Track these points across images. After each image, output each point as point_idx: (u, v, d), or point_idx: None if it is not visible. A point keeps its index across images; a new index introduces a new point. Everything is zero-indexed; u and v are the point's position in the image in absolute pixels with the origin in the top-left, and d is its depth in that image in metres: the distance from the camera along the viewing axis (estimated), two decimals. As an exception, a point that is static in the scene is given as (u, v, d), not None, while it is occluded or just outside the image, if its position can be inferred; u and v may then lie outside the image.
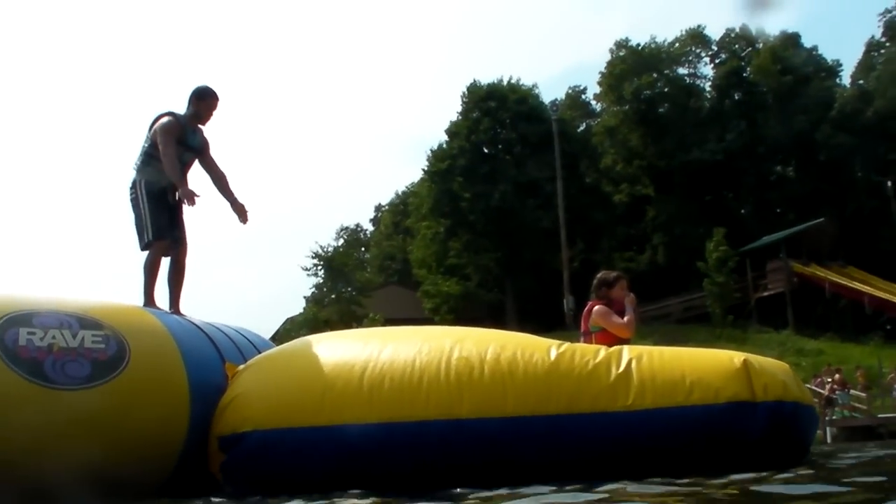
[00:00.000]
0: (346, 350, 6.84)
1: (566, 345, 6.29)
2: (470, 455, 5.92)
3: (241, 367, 7.22)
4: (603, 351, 6.16)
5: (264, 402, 6.64)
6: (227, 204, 8.36)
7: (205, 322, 7.95)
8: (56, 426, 6.13)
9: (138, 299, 8.04)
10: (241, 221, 8.39)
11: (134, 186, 8.10)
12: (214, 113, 8.30)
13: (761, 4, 54.74)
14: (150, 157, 8.03)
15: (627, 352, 6.10)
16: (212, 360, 7.30)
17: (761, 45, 62.27)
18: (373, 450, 6.05)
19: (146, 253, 8.10)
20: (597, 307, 7.97)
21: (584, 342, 7.59)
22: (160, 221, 8.01)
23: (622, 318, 7.83)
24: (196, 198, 7.89)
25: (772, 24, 59.58)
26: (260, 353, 7.91)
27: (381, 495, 5.25)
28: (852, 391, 31.53)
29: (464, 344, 6.41)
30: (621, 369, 5.93)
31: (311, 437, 6.29)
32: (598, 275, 8.30)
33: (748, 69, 60.86)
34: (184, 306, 8.24)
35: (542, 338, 6.59)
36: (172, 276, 8.26)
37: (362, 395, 6.27)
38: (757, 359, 6.06)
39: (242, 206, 8.37)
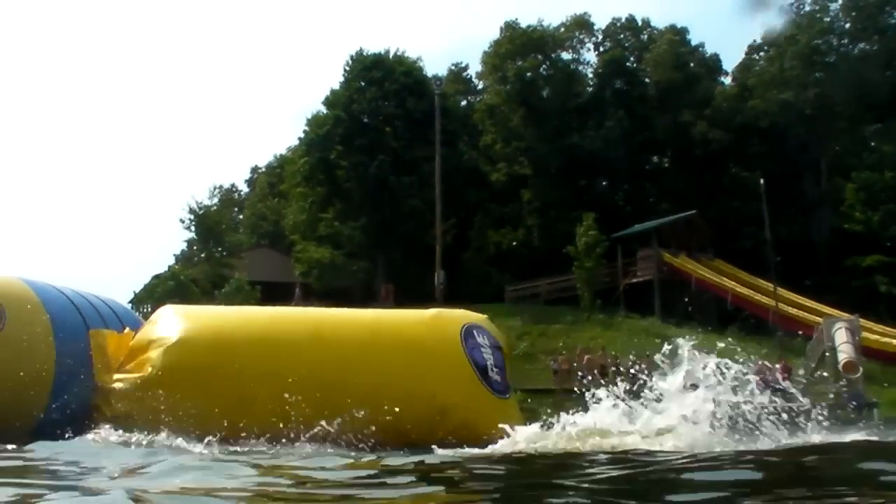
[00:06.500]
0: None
1: None
2: None
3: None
4: None
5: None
6: None
7: (74, 292, 9.51)
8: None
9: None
10: None
11: None
12: None
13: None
14: None
15: None
16: (77, 327, 8.78)
17: (646, 36, 63.13)
18: None
19: None
20: None
21: None
22: None
23: None
24: None
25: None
26: (122, 322, 9.64)
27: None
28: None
29: None
30: None
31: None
32: None
33: (643, 59, 61.47)
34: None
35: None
36: None
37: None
38: None
39: None
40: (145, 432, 7.59)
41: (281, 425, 7.79)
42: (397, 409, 8.13)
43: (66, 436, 7.81)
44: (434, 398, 8.76)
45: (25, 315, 8.28)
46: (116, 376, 8.33)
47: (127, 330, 9.25)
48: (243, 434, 7.74)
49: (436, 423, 8.55)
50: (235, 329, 9.08)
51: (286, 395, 7.87)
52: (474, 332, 9.89)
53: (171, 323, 8.81)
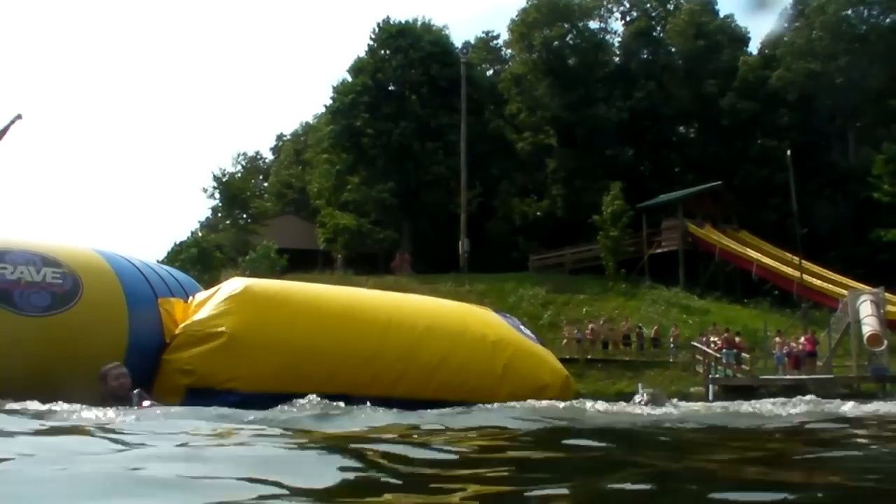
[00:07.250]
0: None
1: None
2: None
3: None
4: None
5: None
6: None
7: (141, 261, 10.15)
8: (22, 345, 8.01)
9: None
10: None
11: None
12: None
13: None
14: None
15: None
16: (147, 295, 9.27)
17: (672, 6, 62.63)
18: None
19: None
20: None
21: None
22: None
23: None
24: None
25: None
26: (186, 291, 10.04)
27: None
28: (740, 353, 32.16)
29: None
30: None
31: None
32: None
33: (665, 29, 61.10)
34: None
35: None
36: None
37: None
38: None
39: None
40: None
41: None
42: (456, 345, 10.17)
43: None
44: (485, 338, 10.54)
45: (101, 285, 8.77)
46: (191, 343, 8.94)
47: (192, 298, 9.75)
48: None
49: (491, 357, 10.32)
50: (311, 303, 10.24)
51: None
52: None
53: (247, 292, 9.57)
